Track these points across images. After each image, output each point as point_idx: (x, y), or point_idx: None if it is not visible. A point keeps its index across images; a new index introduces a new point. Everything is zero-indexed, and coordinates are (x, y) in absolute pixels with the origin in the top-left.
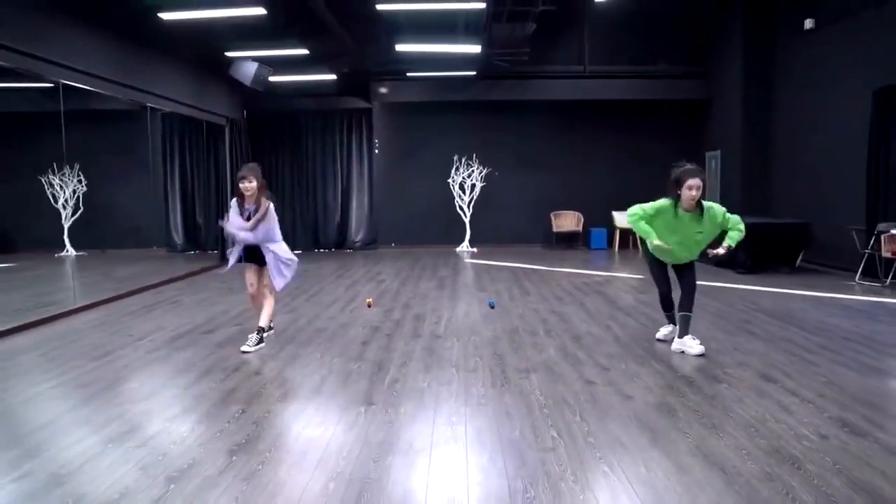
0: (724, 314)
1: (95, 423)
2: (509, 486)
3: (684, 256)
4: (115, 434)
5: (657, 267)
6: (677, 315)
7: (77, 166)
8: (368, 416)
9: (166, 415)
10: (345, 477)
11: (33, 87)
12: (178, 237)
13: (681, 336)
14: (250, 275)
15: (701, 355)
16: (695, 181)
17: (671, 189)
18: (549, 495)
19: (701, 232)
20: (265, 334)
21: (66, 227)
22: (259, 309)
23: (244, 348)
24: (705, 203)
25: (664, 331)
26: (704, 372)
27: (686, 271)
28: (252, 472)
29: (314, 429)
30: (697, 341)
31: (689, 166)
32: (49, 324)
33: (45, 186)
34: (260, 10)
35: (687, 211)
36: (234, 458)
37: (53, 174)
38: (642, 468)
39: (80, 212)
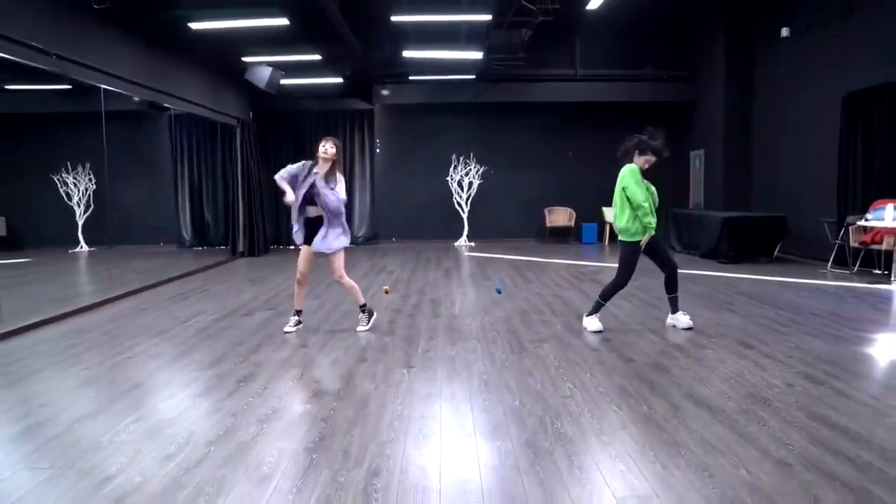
0: (708, 296)
1: (179, 384)
2: (540, 420)
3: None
4: (199, 391)
5: (637, 258)
6: (668, 297)
7: (88, 165)
8: (412, 375)
9: (236, 377)
10: (405, 416)
11: (47, 89)
12: (186, 234)
13: (674, 312)
14: (304, 261)
15: (689, 328)
16: (653, 158)
17: (630, 153)
18: (572, 426)
19: (649, 188)
20: (365, 310)
21: (80, 223)
22: (300, 298)
23: (360, 328)
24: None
25: (598, 324)
26: (692, 341)
27: (660, 249)
28: (327, 415)
29: (368, 384)
30: (688, 317)
31: (650, 139)
32: (95, 310)
33: (59, 185)
34: (283, 21)
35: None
36: (308, 405)
37: (67, 173)
38: (644, 407)
39: (91, 209)
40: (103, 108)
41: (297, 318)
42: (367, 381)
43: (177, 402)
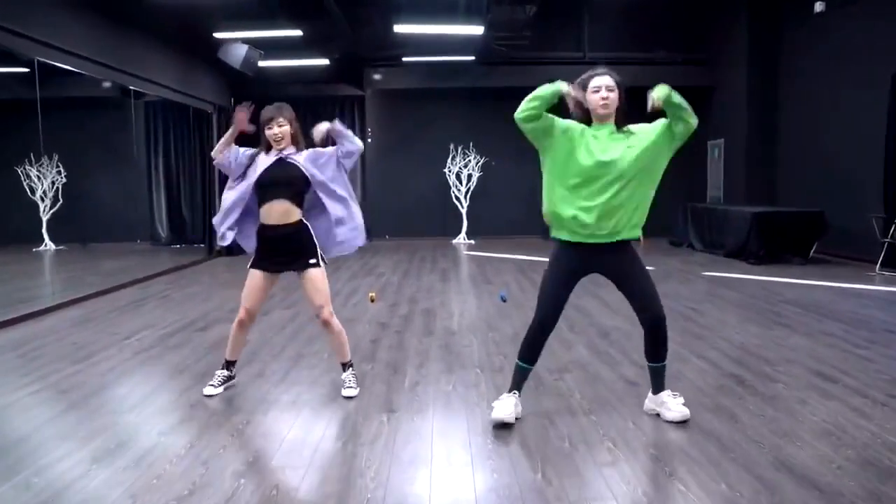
0: (748, 305)
1: (78, 438)
2: None
3: (604, 214)
4: (100, 451)
5: (555, 271)
6: (648, 366)
7: (56, 157)
8: (392, 425)
9: (159, 427)
10: (377, 501)
11: (8, 73)
12: (162, 230)
13: (655, 392)
14: (256, 290)
15: (684, 421)
16: (601, 80)
17: (576, 109)
18: None
19: (631, 147)
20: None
21: (44, 220)
22: (240, 345)
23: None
24: (633, 126)
25: (505, 408)
26: (753, 370)
27: (630, 272)
28: (266, 496)
29: (333, 442)
30: (681, 400)
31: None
32: (28, 321)
33: (22, 178)
34: None
35: (602, 123)
36: (243, 480)
37: (31, 165)
38: (723, 485)
39: (59, 204)
40: (38, 89)
41: (227, 372)
42: (333, 435)
43: (63, 469)
